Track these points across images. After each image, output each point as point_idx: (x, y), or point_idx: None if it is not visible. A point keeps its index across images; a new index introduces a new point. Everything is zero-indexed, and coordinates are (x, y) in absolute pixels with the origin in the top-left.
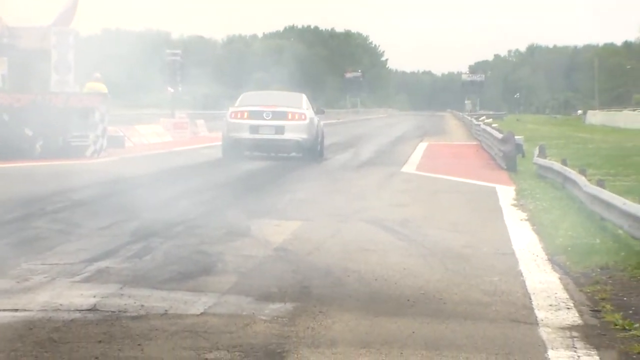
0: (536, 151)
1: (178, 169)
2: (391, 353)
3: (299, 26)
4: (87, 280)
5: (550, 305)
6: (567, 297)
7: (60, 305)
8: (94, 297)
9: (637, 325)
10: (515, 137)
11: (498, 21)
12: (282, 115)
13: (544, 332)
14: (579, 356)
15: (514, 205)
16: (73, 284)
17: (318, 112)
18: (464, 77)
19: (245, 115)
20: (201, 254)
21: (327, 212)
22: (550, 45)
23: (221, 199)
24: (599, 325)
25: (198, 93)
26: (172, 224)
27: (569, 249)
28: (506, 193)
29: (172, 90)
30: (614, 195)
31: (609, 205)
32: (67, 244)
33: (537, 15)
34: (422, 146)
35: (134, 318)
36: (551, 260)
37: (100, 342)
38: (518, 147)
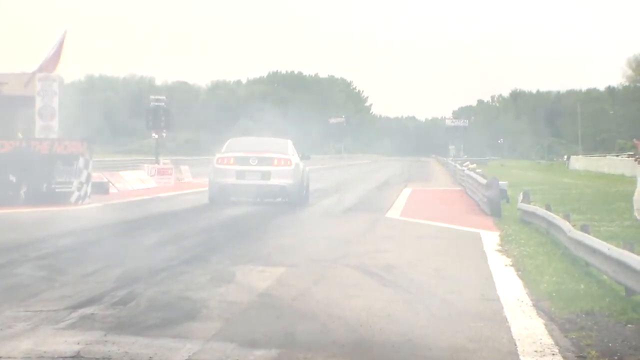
0: (520, 196)
1: (163, 215)
2: None
3: (283, 71)
4: (71, 327)
5: (536, 351)
6: (553, 342)
7: (44, 352)
8: (78, 344)
9: None
10: (500, 182)
11: (481, 67)
12: (268, 161)
13: None
14: None
15: (499, 250)
16: (57, 331)
17: (304, 157)
18: (448, 122)
19: (232, 161)
20: (186, 300)
21: (312, 257)
22: (534, 91)
23: (206, 245)
24: None
25: (182, 139)
26: (157, 270)
27: (554, 294)
28: (491, 238)
29: (156, 136)
30: (598, 240)
31: (593, 251)
32: (51, 291)
33: (520, 61)
34: (407, 192)
35: None
36: (536, 305)
37: None
38: (502, 193)
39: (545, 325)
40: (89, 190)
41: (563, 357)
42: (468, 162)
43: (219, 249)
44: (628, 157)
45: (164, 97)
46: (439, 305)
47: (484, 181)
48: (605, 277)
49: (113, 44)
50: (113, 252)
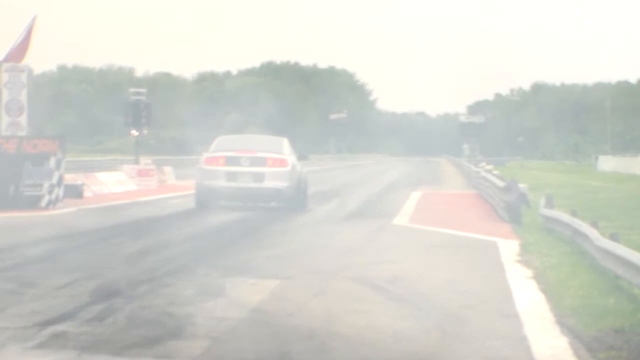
0: (542, 201)
1: (143, 221)
2: None
3: (277, 62)
4: (41, 346)
5: None
6: None
7: None
8: None
9: None
10: (519, 185)
11: (499, 57)
12: (262, 162)
13: None
14: None
15: (518, 261)
16: (25, 351)
17: (301, 158)
18: (461, 118)
19: (221, 161)
20: (169, 316)
21: (310, 269)
22: (558, 83)
23: (192, 254)
24: None
25: (165, 136)
26: (137, 283)
27: (580, 310)
28: (509, 248)
29: (136, 134)
30: (629, 250)
31: (624, 262)
32: (19, 306)
33: (543, 50)
34: (416, 195)
35: None
36: (560, 322)
37: None
38: (522, 197)
39: (570, 344)
40: (61, 193)
41: None
42: (484, 163)
43: (206, 259)
44: None
45: (145, 90)
46: (452, 322)
47: (501, 184)
48: (637, 290)
49: (88, 31)
50: (88, 263)
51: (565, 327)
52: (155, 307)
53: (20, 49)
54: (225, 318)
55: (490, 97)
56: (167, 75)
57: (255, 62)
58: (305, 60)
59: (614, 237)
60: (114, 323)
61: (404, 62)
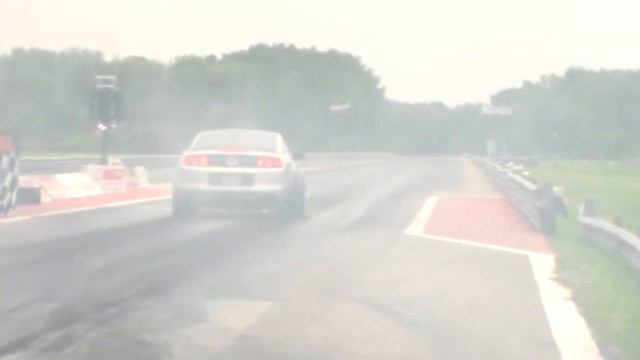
0: (581, 207)
1: (111, 231)
2: None
3: (269, 44)
4: None
5: None
6: None
7: None
8: None
9: None
10: (554, 188)
11: (528, 38)
12: (251, 161)
13: None
14: None
15: (553, 278)
16: None
17: (297, 156)
18: (485, 110)
19: (204, 160)
20: (141, 344)
21: (307, 288)
22: (597, 69)
23: (168, 271)
24: None
25: (138, 131)
26: (103, 305)
27: (627, 337)
28: (543, 263)
29: (103, 128)
30: None
31: None
32: None
33: (579, 31)
34: (432, 201)
35: None
36: (603, 352)
37: None
38: (557, 202)
39: None
40: (14, 198)
41: None
42: (512, 163)
43: (185, 277)
44: None
45: (115, 77)
46: (476, 352)
47: (533, 187)
48: None
49: (48, 9)
50: (45, 281)
51: (610, 357)
52: (124, 333)
53: None
54: (206, 347)
55: (519, 85)
56: (140, 59)
57: (244, 45)
58: (302, 43)
59: None
60: (74, 353)
61: (417, 44)
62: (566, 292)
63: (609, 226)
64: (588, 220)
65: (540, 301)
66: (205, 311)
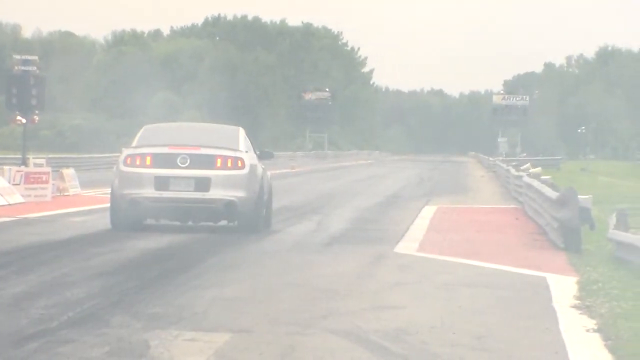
0: (612, 219)
1: (33, 248)
2: None
3: (229, 17)
4: None
5: None
6: None
7: None
8: None
9: None
10: (579, 197)
11: (551, 12)
12: (207, 161)
13: None
14: None
15: (577, 306)
16: None
17: (263, 156)
18: (496, 99)
19: (149, 160)
20: None
21: (275, 318)
22: (635, 49)
23: (103, 297)
24: None
25: (66, 125)
26: (22, 338)
27: None
28: (564, 287)
29: (23, 121)
30: None
31: None
32: None
33: (613, 5)
34: (429, 211)
35: None
36: None
37: None
38: (583, 213)
39: None
40: None
41: None
42: (529, 164)
43: (124, 304)
44: None
45: (37, 58)
46: None
47: (554, 195)
48: None
49: None
50: None
51: None
52: None
53: None
54: None
55: (538, 69)
56: (68, 35)
57: (197, 17)
58: (270, 15)
59: None
60: None
61: (412, 17)
62: (591, 323)
63: None
64: (621, 235)
65: (560, 334)
66: (147, 345)
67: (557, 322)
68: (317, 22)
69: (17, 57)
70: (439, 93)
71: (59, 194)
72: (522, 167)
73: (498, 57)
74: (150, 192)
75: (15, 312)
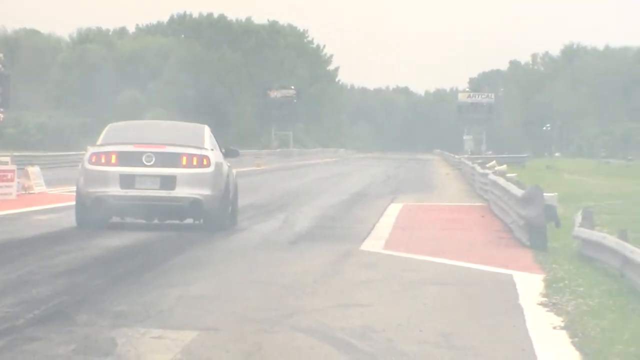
0: (578, 217)
1: None
2: None
3: (194, 14)
4: None
5: None
6: None
7: None
8: None
9: None
10: (545, 194)
11: (516, 10)
12: (173, 159)
13: None
14: None
15: (543, 304)
16: None
17: (229, 154)
18: (462, 97)
19: (114, 159)
20: None
21: (241, 315)
22: (600, 46)
23: (69, 294)
24: None
25: (31, 123)
26: None
27: None
28: (530, 284)
29: None
30: None
31: None
32: None
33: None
34: (395, 209)
35: None
36: None
37: None
38: (549, 211)
39: None
40: None
41: None
42: (494, 162)
43: (90, 302)
44: None
45: (1, 56)
46: None
47: (519, 193)
48: None
49: None
50: None
51: None
52: None
53: None
54: None
55: (504, 67)
56: (33, 33)
57: (162, 15)
58: (235, 13)
59: None
60: None
61: (377, 15)
62: (558, 321)
63: (611, 240)
64: (586, 233)
65: (526, 331)
66: (114, 343)
67: (524, 320)
68: (283, 20)
69: None
70: (405, 91)
71: (24, 192)
72: (487, 165)
73: (464, 55)
74: (115, 190)
75: None
